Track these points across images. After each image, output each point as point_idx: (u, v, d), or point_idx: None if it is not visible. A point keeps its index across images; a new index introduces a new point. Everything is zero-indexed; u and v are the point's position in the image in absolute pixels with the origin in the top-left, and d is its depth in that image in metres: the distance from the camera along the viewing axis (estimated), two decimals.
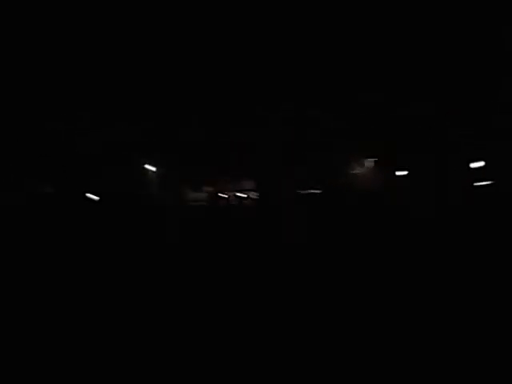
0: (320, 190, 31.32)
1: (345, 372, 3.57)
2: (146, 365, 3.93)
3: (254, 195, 36.16)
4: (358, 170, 32.63)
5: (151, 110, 30.51)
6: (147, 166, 34.23)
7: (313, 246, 10.48)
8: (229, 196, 35.74)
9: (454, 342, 3.93)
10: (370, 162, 32.25)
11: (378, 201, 21.53)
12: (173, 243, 11.70)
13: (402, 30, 28.54)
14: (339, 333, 4.53)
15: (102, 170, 31.36)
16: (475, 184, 25.81)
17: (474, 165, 28.67)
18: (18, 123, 31.21)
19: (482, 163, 25.80)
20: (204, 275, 7.62)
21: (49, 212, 25.16)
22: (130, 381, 3.41)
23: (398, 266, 7.81)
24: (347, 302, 5.77)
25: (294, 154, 29.72)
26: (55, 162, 31.21)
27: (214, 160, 29.89)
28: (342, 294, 6.34)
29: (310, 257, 9.24)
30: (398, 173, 30.86)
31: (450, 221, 13.47)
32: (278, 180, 30.27)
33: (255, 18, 30.05)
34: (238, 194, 35.54)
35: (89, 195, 33.18)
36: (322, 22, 29.69)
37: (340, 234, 12.18)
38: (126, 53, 30.61)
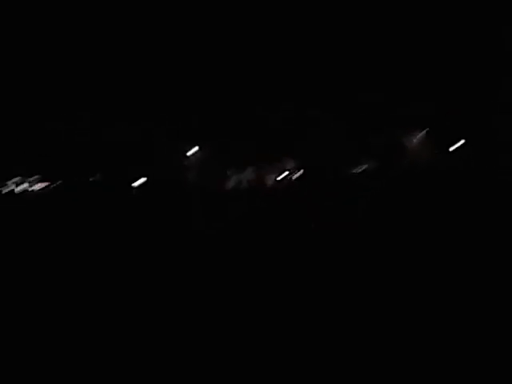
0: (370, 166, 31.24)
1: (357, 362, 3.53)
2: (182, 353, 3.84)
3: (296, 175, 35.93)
4: (408, 144, 32.32)
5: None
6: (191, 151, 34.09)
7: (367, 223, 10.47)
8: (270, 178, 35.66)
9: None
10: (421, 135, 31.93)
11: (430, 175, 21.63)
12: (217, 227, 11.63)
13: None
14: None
15: (145, 156, 31.43)
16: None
17: None
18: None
19: None
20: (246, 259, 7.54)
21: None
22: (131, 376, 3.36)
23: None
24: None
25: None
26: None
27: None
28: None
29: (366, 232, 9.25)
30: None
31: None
32: (322, 158, 29.92)
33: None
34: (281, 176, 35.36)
35: (137, 182, 33.39)
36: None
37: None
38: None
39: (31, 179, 37.11)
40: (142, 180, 34.27)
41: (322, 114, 30.26)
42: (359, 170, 33.54)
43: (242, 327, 4.51)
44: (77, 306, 5.55)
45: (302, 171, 36.05)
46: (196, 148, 34.44)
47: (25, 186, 37.27)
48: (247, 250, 8.23)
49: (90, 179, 34.93)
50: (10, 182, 36.52)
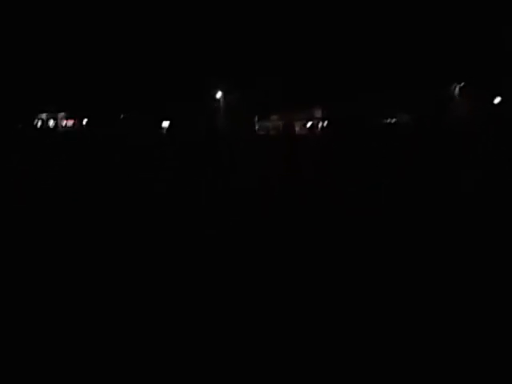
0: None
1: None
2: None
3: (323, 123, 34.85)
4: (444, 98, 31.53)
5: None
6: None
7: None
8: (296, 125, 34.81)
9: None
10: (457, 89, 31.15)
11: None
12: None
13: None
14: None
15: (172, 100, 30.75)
16: None
17: None
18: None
19: None
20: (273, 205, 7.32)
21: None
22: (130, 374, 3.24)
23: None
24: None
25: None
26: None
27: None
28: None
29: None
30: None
31: None
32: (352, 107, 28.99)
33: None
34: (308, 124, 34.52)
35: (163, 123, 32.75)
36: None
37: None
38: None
39: (58, 115, 36.32)
40: (167, 123, 33.53)
41: (350, 62, 29.33)
42: (389, 121, 32.29)
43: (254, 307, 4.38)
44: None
45: (326, 122, 34.73)
46: (220, 93, 33.49)
47: (51, 122, 36.51)
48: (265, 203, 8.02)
49: (120, 117, 34.02)
50: (36, 118, 35.64)
